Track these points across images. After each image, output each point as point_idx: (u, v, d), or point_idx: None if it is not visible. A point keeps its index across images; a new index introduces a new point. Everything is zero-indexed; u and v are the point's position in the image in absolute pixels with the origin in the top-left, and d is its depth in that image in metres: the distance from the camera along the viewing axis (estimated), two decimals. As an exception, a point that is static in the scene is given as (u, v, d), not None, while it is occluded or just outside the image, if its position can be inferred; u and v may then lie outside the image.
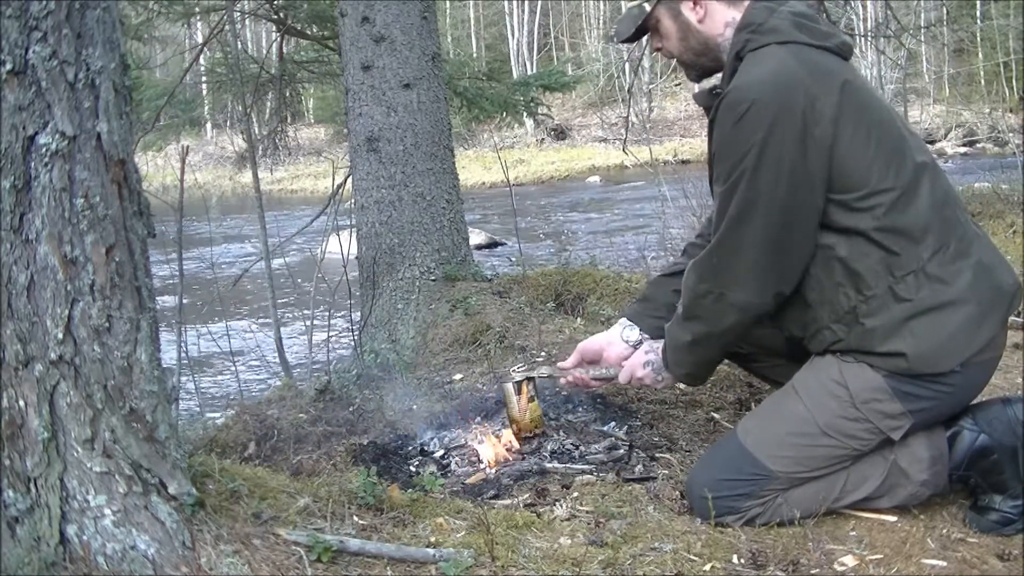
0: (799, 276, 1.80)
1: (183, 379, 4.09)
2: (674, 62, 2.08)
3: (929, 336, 1.72)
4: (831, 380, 1.81)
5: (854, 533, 1.81)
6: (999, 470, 1.78)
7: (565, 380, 2.27)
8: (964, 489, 1.87)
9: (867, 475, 1.83)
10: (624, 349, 2.19)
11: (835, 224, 1.76)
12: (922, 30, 14.26)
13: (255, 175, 4.19)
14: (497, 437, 2.36)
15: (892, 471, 1.82)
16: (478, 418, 2.59)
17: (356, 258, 4.19)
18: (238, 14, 6.76)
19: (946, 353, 1.73)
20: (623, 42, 2.04)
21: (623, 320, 2.25)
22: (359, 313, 4.04)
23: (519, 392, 2.32)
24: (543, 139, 26.67)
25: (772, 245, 1.76)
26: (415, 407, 2.73)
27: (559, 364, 2.30)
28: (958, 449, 1.80)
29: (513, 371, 2.39)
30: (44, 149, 1.39)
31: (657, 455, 2.26)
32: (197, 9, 6.73)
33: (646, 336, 2.18)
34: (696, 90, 2.15)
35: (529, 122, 25.26)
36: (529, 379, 2.32)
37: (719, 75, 1.95)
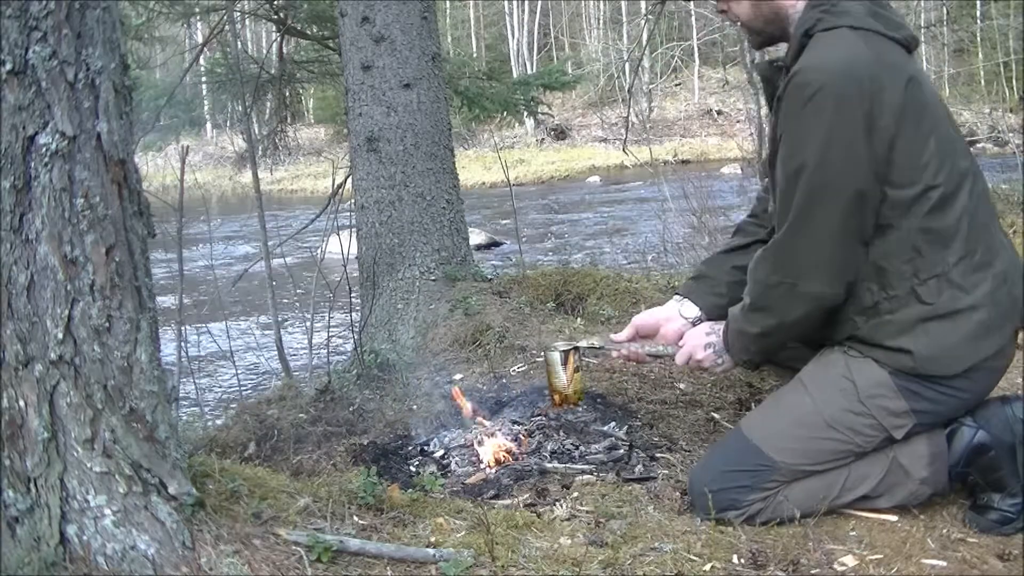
0: (860, 267, 1.78)
1: (183, 379, 4.08)
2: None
3: (939, 339, 1.73)
4: (838, 374, 1.82)
5: (854, 533, 1.81)
6: (997, 467, 1.79)
7: (617, 353, 2.19)
8: (964, 488, 1.87)
9: (868, 472, 1.84)
10: (683, 325, 2.12)
11: (878, 217, 1.75)
12: (922, 30, 14.26)
13: (255, 175, 4.19)
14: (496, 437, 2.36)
15: (892, 468, 1.82)
16: (478, 418, 2.59)
17: (356, 258, 4.19)
18: (238, 14, 6.76)
19: (953, 358, 1.74)
20: None
21: (678, 297, 2.18)
22: (359, 313, 4.04)
23: (565, 362, 2.23)
24: (543, 139, 26.67)
25: (844, 233, 1.74)
26: (415, 407, 2.73)
27: (611, 336, 2.22)
28: (956, 445, 1.81)
29: (556, 344, 2.30)
30: (44, 149, 1.39)
31: (657, 455, 2.26)
32: (197, 9, 6.72)
33: (703, 315, 2.13)
34: (756, 59, 2.13)
35: (529, 122, 25.27)
36: (575, 349, 2.25)
37: (781, 46, 1.94)
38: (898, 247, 1.75)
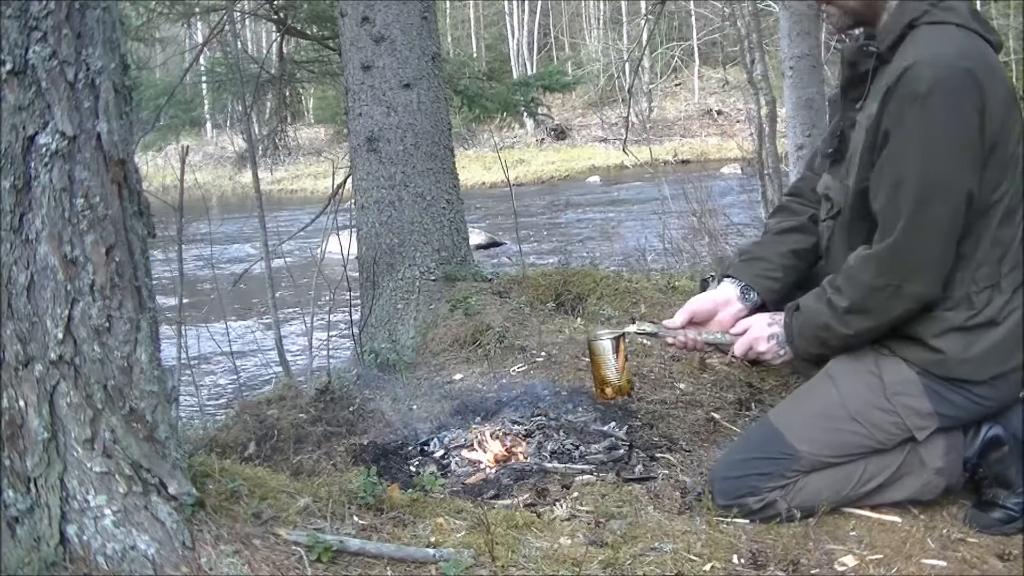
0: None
1: (183, 379, 4.08)
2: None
3: (974, 345, 1.75)
4: (866, 369, 1.83)
5: (854, 533, 1.81)
6: (1008, 464, 1.80)
7: (672, 340, 2.06)
8: (971, 485, 1.87)
9: (885, 464, 1.85)
10: (741, 310, 2.04)
11: None
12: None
13: (255, 175, 4.19)
14: (498, 438, 2.36)
15: (908, 458, 1.83)
16: (478, 418, 2.59)
17: (356, 258, 4.19)
18: (238, 14, 6.75)
19: (983, 363, 1.75)
20: None
21: (731, 280, 2.07)
22: (359, 313, 4.04)
23: (616, 351, 2.08)
24: (543, 139, 26.66)
25: (954, 232, 1.73)
26: (415, 407, 2.73)
27: (664, 322, 2.08)
28: (972, 438, 1.82)
29: (601, 332, 2.15)
30: (44, 149, 1.39)
31: (657, 455, 2.26)
32: (197, 9, 6.72)
33: (759, 298, 2.05)
34: (846, 41, 2.01)
35: (529, 122, 25.27)
36: (624, 335, 2.10)
37: (862, 29, 1.90)
38: (970, 252, 1.75)
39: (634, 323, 2.15)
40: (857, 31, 1.96)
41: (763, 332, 1.96)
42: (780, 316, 1.95)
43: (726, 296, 2.05)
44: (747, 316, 2.03)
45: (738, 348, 1.99)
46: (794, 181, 2.25)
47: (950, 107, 1.67)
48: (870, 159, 1.79)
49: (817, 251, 2.07)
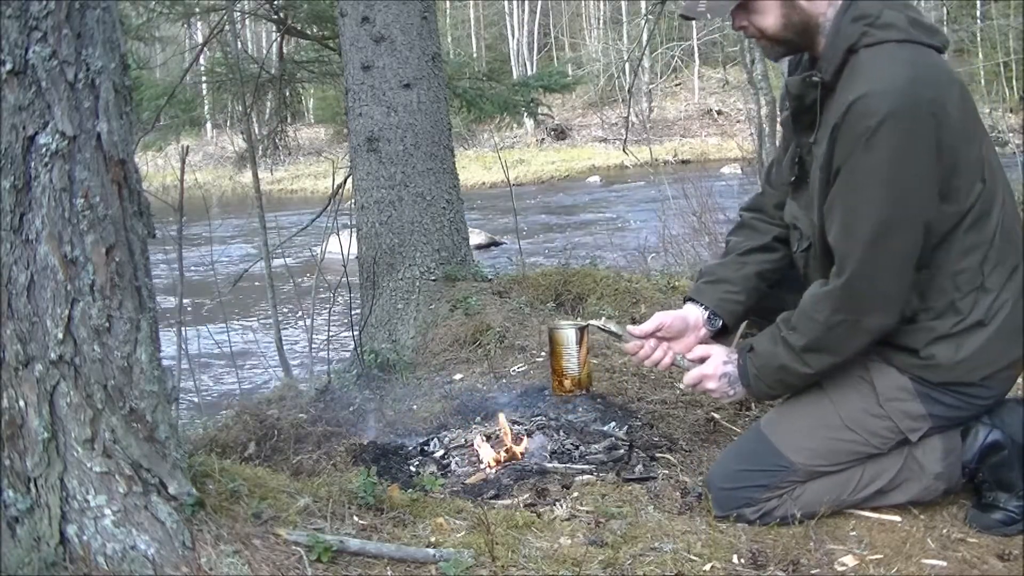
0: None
1: (183, 379, 4.09)
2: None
3: (966, 348, 1.74)
4: (857, 376, 1.82)
5: (854, 533, 1.81)
6: (1008, 467, 1.79)
7: (632, 346, 2.02)
8: (971, 487, 1.87)
9: (883, 468, 1.84)
10: (705, 334, 2.02)
11: (929, 235, 1.72)
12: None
13: (255, 175, 4.20)
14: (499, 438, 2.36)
15: (907, 463, 1.83)
16: (478, 418, 2.59)
17: (356, 258, 4.19)
18: (238, 14, 6.75)
19: (974, 365, 1.74)
20: (714, 17, 1.86)
21: (693, 303, 2.05)
22: (359, 313, 4.04)
23: (580, 341, 2.04)
24: (543, 139, 26.66)
25: (910, 264, 1.71)
26: (415, 407, 2.73)
27: (630, 327, 2.04)
28: (971, 443, 1.81)
29: (561, 323, 2.10)
30: (44, 149, 1.39)
31: (657, 455, 2.26)
32: (197, 9, 6.72)
33: (725, 323, 2.03)
34: (786, 75, 1.97)
35: (529, 122, 25.25)
36: (588, 327, 2.05)
37: (803, 56, 1.88)
38: (948, 264, 1.73)
39: (599, 320, 2.10)
40: (796, 57, 1.92)
41: (715, 370, 1.94)
42: (736, 356, 1.94)
43: (693, 319, 2.03)
44: (710, 339, 2.03)
45: (686, 379, 1.99)
46: (753, 196, 2.18)
47: (900, 141, 1.63)
48: (827, 196, 1.76)
49: (781, 270, 2.04)
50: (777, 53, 1.89)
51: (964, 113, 1.69)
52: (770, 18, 1.80)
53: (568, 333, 2.05)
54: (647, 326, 2.02)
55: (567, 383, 2.08)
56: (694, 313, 2.04)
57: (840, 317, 1.75)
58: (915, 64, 1.66)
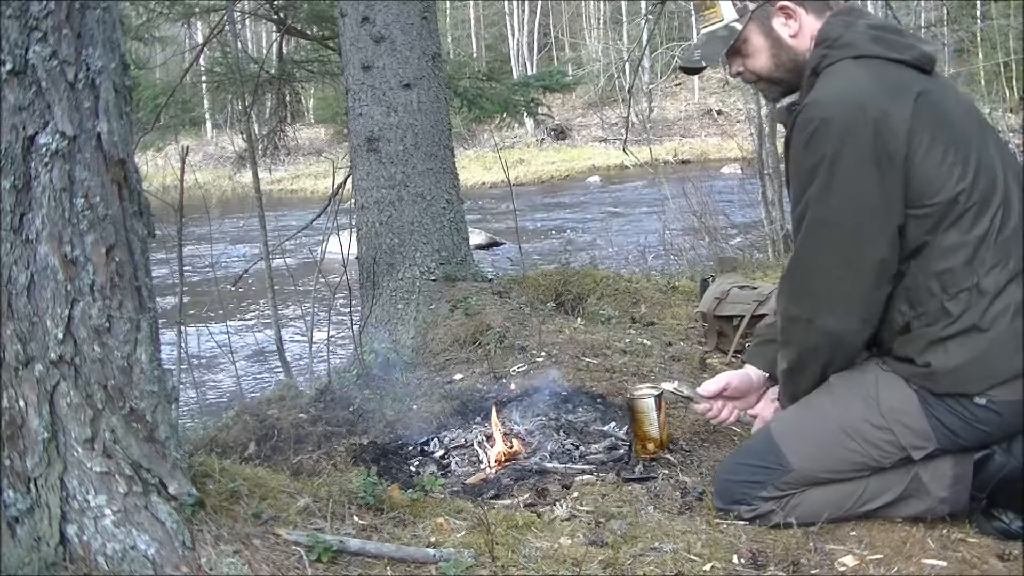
0: (883, 301, 1.76)
1: (183, 379, 4.08)
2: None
3: (956, 352, 1.69)
4: (864, 384, 1.81)
5: (854, 533, 1.81)
6: (1020, 496, 1.73)
7: (704, 406, 2.15)
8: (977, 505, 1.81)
9: (888, 485, 1.80)
10: (767, 390, 2.12)
11: (906, 240, 1.73)
12: (922, 30, 14.25)
13: (255, 175, 4.19)
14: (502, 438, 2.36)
15: (912, 483, 1.79)
16: (478, 418, 2.59)
17: (356, 258, 4.19)
18: (238, 14, 6.75)
19: (971, 374, 1.69)
20: (709, 64, 1.94)
21: (753, 367, 2.15)
22: (359, 313, 4.04)
23: (658, 408, 2.20)
24: (543, 139, 26.66)
25: (846, 268, 1.73)
26: (415, 407, 2.73)
27: (699, 389, 2.16)
28: (986, 473, 1.74)
29: (636, 389, 2.28)
30: (44, 149, 1.39)
31: (657, 455, 2.25)
32: (197, 9, 6.72)
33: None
34: (776, 107, 2.08)
35: (529, 122, 25.25)
36: (663, 393, 2.24)
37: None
38: (929, 266, 1.72)
39: (672, 383, 2.29)
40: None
41: (771, 411, 2.07)
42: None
43: (757, 376, 2.13)
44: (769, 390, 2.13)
45: (754, 429, 2.12)
46: None
47: (835, 142, 1.68)
48: None
49: None
50: (775, 93, 1.99)
51: (922, 116, 1.69)
52: (761, 59, 1.91)
53: (648, 402, 2.20)
54: (714, 387, 2.13)
55: (651, 446, 2.22)
56: (756, 372, 2.14)
57: (795, 312, 1.83)
58: (858, 76, 1.72)
